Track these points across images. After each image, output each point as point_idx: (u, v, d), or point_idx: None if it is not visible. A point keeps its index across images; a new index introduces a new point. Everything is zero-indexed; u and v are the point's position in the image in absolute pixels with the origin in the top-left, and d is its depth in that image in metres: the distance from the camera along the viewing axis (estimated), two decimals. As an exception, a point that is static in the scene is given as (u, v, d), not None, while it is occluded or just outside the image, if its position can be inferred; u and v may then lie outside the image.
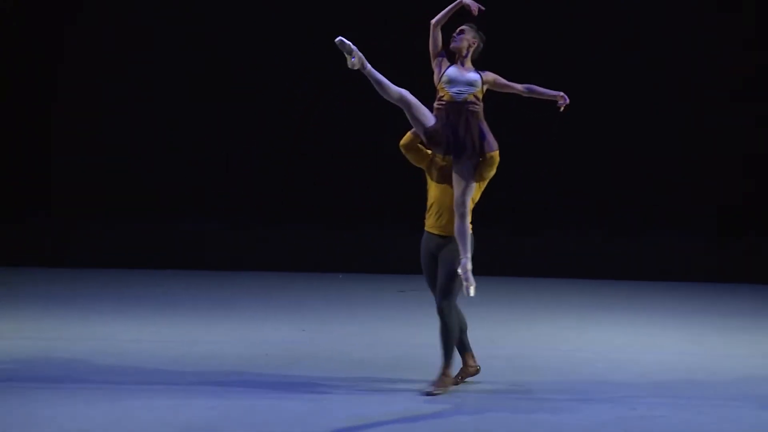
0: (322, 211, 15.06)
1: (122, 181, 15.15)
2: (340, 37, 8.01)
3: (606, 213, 14.88)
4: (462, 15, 8.29)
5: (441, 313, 8.20)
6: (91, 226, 15.11)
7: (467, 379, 8.45)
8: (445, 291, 8.17)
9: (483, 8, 8.23)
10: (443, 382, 8.19)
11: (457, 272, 8.08)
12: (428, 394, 8.06)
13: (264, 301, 12.57)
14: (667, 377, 8.76)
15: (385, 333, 10.63)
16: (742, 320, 11.80)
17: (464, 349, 8.47)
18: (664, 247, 14.80)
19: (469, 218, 8.12)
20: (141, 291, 13.13)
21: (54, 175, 15.24)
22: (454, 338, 8.25)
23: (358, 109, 14.72)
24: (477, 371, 8.48)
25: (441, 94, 8.21)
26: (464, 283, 8.01)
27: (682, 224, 14.80)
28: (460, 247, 8.07)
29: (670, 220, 14.83)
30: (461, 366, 8.47)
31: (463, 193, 8.08)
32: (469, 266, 8.03)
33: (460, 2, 8.22)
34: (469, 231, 8.10)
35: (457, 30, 8.28)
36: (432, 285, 8.36)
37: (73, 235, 15.11)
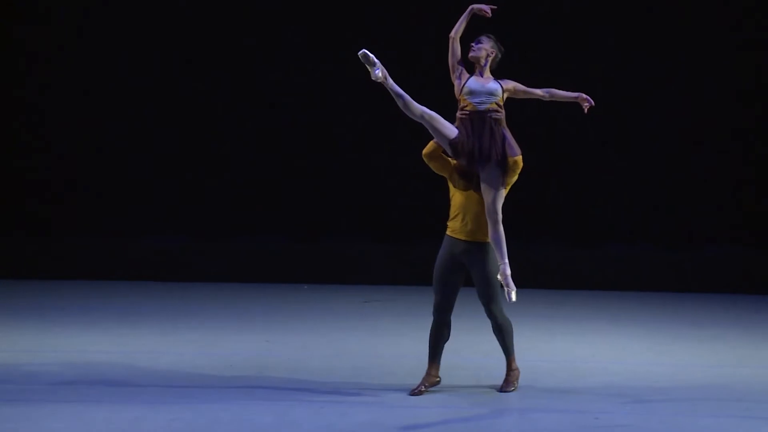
0: (287, 222, 15.02)
1: (89, 193, 15.06)
2: (363, 50, 8.18)
3: (570, 223, 14.91)
4: (479, 25, 8.51)
5: (491, 315, 8.50)
6: (59, 239, 14.99)
7: (430, 389, 8.48)
8: (489, 294, 8.45)
9: (495, 6, 8.41)
10: (514, 376, 8.56)
11: (494, 274, 8.35)
12: (504, 390, 8.47)
13: (229, 313, 12.53)
14: (630, 386, 8.81)
15: (349, 343, 10.63)
16: (706, 329, 11.86)
17: (434, 358, 8.56)
18: (630, 256, 14.82)
19: (501, 224, 8.29)
20: (107, 302, 13.04)
21: (26, 186, 15.10)
22: (511, 334, 8.60)
23: (332, 120, 14.69)
24: (438, 383, 8.56)
25: (463, 104, 8.36)
26: (506, 289, 8.25)
27: (646, 234, 14.85)
28: (498, 254, 8.30)
29: (635, 230, 14.87)
30: (425, 373, 8.52)
31: (494, 201, 8.27)
32: (508, 271, 8.28)
33: (471, 9, 8.40)
34: (504, 236, 8.29)
35: (475, 40, 8.46)
36: (441, 288, 8.49)
37: (41, 247, 14.96)
